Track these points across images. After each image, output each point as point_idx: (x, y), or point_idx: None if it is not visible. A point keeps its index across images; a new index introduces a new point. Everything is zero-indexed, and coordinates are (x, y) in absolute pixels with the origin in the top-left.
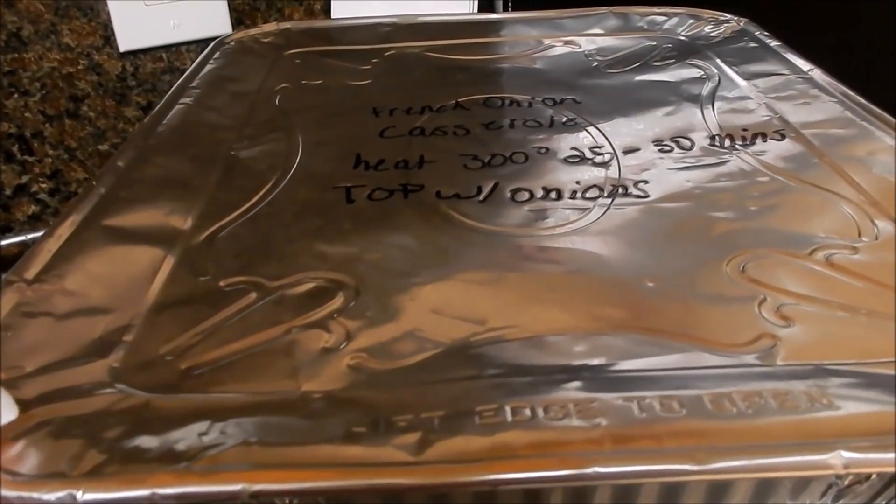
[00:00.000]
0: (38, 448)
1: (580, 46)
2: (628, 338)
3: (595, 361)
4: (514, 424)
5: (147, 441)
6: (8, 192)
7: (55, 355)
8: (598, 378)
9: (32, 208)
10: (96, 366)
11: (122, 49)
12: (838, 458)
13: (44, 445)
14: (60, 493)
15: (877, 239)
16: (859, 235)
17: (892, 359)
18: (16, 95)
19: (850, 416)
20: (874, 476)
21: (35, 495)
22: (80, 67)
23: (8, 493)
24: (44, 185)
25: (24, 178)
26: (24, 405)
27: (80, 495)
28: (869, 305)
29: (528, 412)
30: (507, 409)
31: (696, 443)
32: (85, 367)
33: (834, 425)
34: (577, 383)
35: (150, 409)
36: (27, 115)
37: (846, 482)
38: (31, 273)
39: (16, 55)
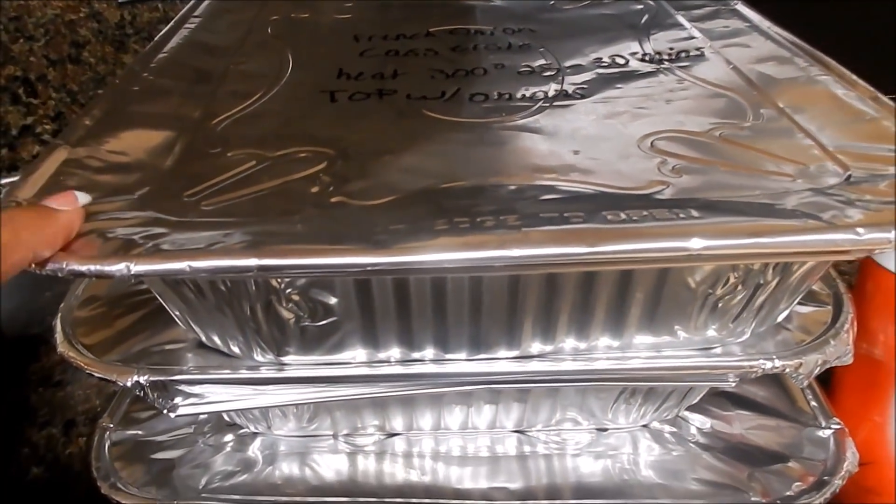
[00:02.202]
0: (96, 242)
1: None
2: (552, 184)
3: (524, 195)
4: (458, 231)
5: (180, 238)
6: (14, 132)
7: (99, 193)
8: (524, 204)
9: (37, 148)
10: (132, 200)
11: None
12: (696, 243)
13: (99, 241)
14: (119, 266)
15: (761, 121)
16: (747, 119)
17: (757, 194)
18: (21, 40)
19: (713, 223)
20: (739, 286)
21: (99, 267)
22: (81, 15)
23: (79, 266)
24: (47, 127)
25: (29, 120)
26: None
27: (133, 266)
28: (746, 163)
29: (468, 224)
30: (454, 221)
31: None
32: (123, 200)
33: (699, 228)
34: (509, 206)
35: (178, 224)
36: (32, 59)
37: (718, 290)
38: (74, 138)
39: (21, 1)
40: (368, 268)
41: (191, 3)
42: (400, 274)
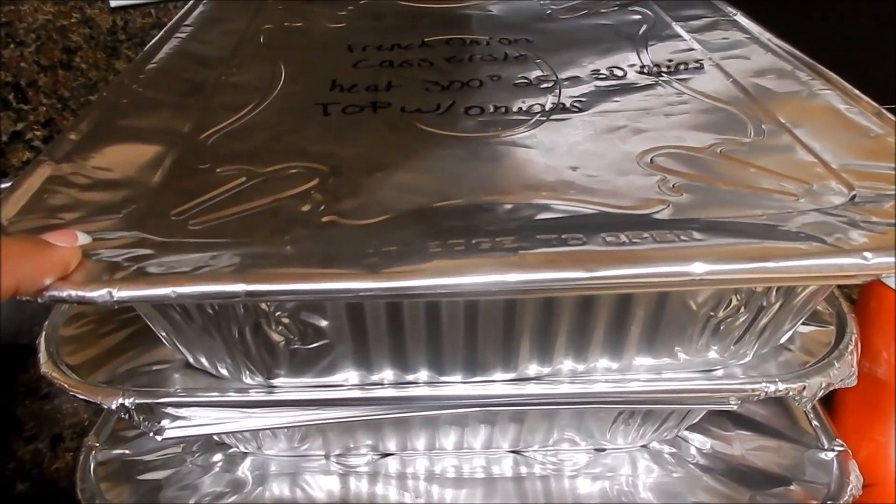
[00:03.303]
0: (79, 265)
1: None
2: (549, 202)
3: (521, 214)
4: (453, 254)
5: (166, 261)
6: (4, 138)
7: (84, 213)
8: (521, 224)
9: (27, 155)
10: (117, 219)
11: (113, 4)
12: (698, 268)
13: (85, 265)
14: (102, 291)
15: (762, 136)
16: (748, 134)
17: (759, 214)
18: (12, 46)
19: (715, 245)
20: (742, 309)
21: (81, 293)
22: (73, 21)
23: (59, 292)
24: (38, 133)
25: (20, 126)
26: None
27: (115, 292)
28: (747, 181)
29: (463, 246)
30: (448, 243)
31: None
32: (108, 219)
33: (701, 252)
34: (505, 226)
35: (164, 245)
36: (23, 64)
37: (720, 313)
38: (59, 154)
39: (12, 7)
40: (360, 293)
41: (182, 11)
42: (392, 299)
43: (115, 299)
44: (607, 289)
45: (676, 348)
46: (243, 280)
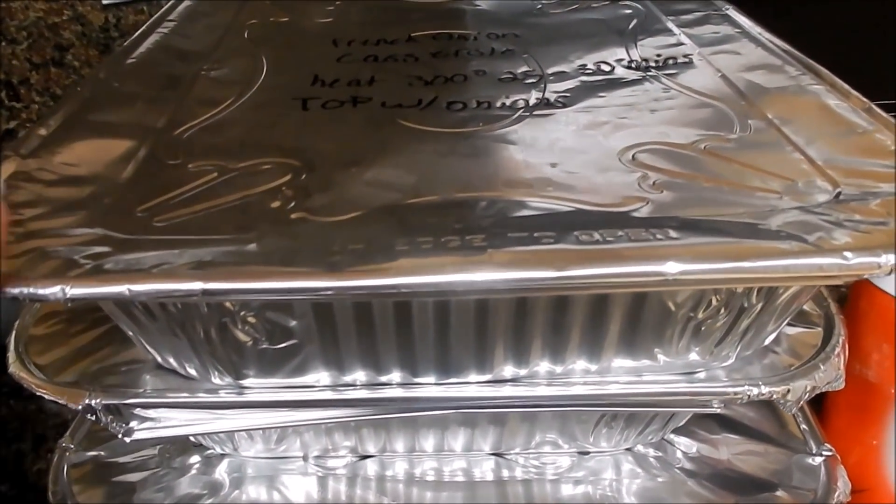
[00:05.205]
0: (34, 262)
1: None
2: (525, 200)
3: (495, 212)
4: (420, 252)
5: (125, 258)
6: None
7: (47, 209)
8: (493, 222)
9: None
10: (80, 215)
11: (104, 1)
12: (672, 267)
13: (38, 261)
14: (54, 289)
15: (748, 132)
16: (734, 130)
17: (740, 212)
18: (3, 43)
19: (690, 244)
20: (722, 310)
21: (32, 290)
22: (64, 18)
23: (12, 290)
24: None
25: (12, 124)
26: (23, 236)
27: (68, 289)
28: (731, 178)
29: (431, 244)
30: (417, 240)
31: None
32: (71, 215)
33: (676, 250)
34: (477, 223)
35: (125, 243)
36: (14, 62)
37: (700, 314)
38: (25, 150)
39: (2, 4)
40: (319, 292)
41: (167, 5)
42: (354, 299)
43: (67, 296)
44: (577, 289)
45: (656, 350)
46: (200, 278)
